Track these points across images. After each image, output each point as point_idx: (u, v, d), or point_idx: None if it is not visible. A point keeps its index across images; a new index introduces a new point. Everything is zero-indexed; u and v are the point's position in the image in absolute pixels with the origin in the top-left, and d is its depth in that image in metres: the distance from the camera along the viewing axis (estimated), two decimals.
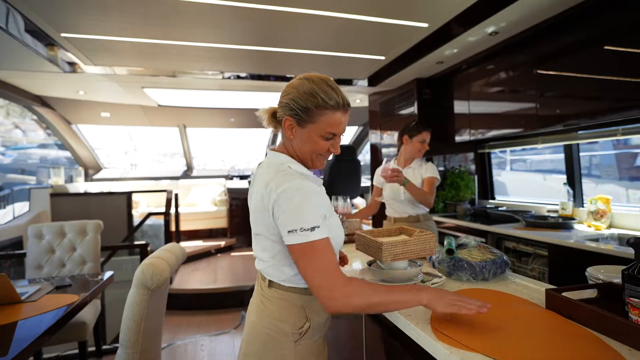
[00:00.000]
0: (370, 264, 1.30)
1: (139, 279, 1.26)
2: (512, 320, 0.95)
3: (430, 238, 1.18)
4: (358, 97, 4.76)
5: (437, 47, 2.67)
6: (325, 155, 1.03)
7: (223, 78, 3.57)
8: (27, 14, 2.14)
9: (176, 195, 4.64)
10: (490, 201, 3.54)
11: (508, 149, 4.14)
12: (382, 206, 2.46)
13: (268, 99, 4.93)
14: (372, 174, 4.47)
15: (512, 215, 2.70)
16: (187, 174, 6.63)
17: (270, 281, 1.02)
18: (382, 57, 3.04)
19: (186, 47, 2.75)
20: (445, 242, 1.41)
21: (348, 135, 6.85)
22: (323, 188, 1.02)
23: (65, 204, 4.05)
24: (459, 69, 3.17)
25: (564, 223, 2.37)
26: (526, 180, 4.75)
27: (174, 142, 6.43)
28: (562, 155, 2.81)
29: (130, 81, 3.62)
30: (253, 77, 3.62)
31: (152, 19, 2.27)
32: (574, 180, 2.70)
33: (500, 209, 3.05)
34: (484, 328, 0.91)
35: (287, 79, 3.68)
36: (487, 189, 3.59)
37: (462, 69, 3.17)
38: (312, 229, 0.89)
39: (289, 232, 0.91)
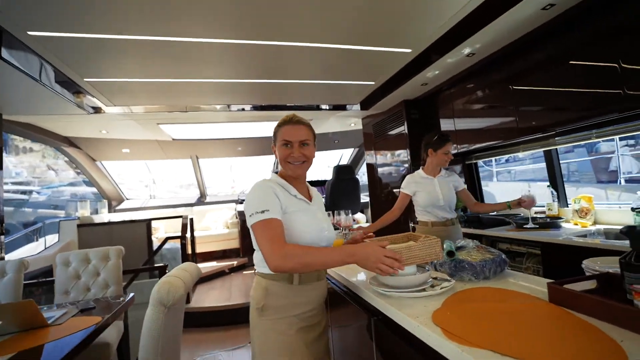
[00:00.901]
0: None
1: (156, 297, 1.20)
2: (518, 314, 0.88)
3: (435, 243, 1.15)
4: (352, 121, 4.75)
5: (420, 70, 2.68)
6: (292, 161, 1.22)
7: (230, 110, 3.59)
8: (55, 63, 2.18)
9: (191, 220, 4.59)
10: None
11: (494, 161, 4.10)
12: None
13: (270, 127, 4.94)
14: (370, 192, 4.43)
15: (503, 219, 2.63)
16: (200, 201, 6.61)
17: (254, 270, 1.25)
18: (372, 82, 3.06)
19: (195, 84, 2.78)
20: (444, 246, 1.35)
21: (346, 156, 6.86)
22: (290, 193, 1.21)
23: (90, 234, 3.99)
24: (441, 89, 3.18)
25: (552, 222, 2.30)
26: (512, 189, 4.69)
27: (188, 172, 6.44)
28: (542, 165, 2.77)
29: (147, 118, 3.65)
30: (256, 108, 3.64)
31: (164, 60, 2.29)
32: (556, 182, 2.65)
33: (490, 214, 2.98)
34: (492, 324, 0.84)
35: (287, 108, 3.69)
36: (477, 196, 3.53)
37: (445, 89, 3.17)
38: (263, 211, 1.10)
39: (249, 216, 1.12)
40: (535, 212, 2.73)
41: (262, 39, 2.09)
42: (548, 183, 2.70)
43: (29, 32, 1.79)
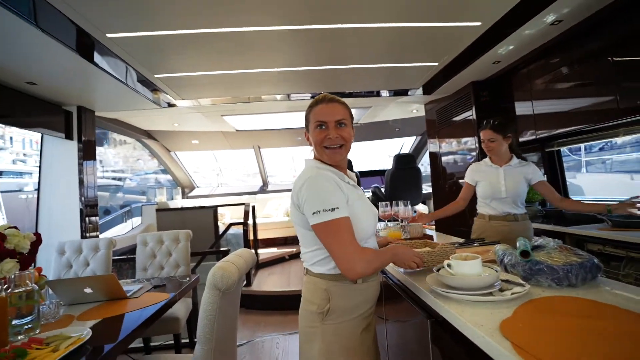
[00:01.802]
0: (438, 269, 1.13)
1: (211, 280, 1.25)
2: (618, 338, 0.71)
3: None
4: (414, 107, 4.50)
5: (492, 46, 2.38)
6: (329, 145, 1.11)
7: (290, 100, 3.62)
8: (129, 61, 2.39)
9: (253, 207, 4.79)
10: None
11: (583, 149, 3.54)
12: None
13: None
14: (433, 182, 4.17)
15: (595, 215, 2.24)
16: (263, 189, 6.88)
17: (306, 269, 1.14)
18: (435, 63, 2.81)
19: (256, 74, 2.83)
20: (518, 244, 1.17)
21: (407, 145, 6.57)
22: (343, 181, 1.11)
23: (167, 217, 4.41)
24: (517, 67, 2.80)
25: None
26: (607, 181, 4.01)
27: (252, 162, 6.75)
28: None
29: (212, 110, 3.85)
30: (314, 96, 3.62)
31: (225, 52, 2.36)
32: None
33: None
34: (579, 345, 0.69)
35: (346, 96, 3.60)
36: (559, 188, 3.08)
37: (521, 67, 2.79)
38: (333, 209, 0.99)
39: (313, 213, 1.00)
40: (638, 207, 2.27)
41: (320, 22, 2.02)
42: None
43: (108, 35, 1.98)
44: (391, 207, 2.14)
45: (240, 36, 2.12)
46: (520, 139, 2.93)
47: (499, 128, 2.07)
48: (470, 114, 3.24)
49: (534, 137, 2.76)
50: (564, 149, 3.05)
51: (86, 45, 2.05)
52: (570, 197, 3.06)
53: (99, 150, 3.37)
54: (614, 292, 0.98)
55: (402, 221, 2.10)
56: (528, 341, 0.72)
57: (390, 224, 2.22)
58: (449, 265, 1.08)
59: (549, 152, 3.11)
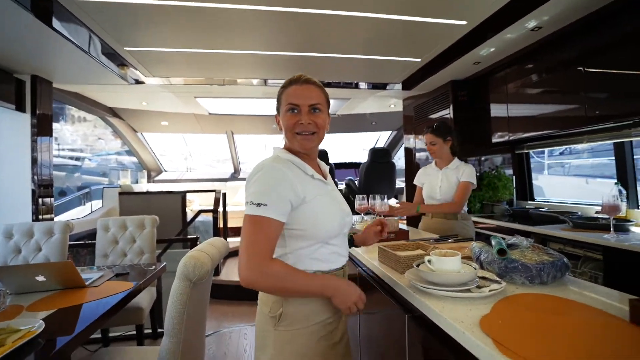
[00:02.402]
0: (418, 264, 1.13)
1: (182, 271, 1.18)
2: (588, 332, 0.75)
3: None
4: (392, 101, 4.56)
5: (474, 47, 2.43)
6: (301, 131, 1.00)
7: (266, 85, 3.54)
8: (96, 30, 2.20)
9: (224, 194, 4.66)
10: (530, 202, 3.19)
11: (546, 153, 3.75)
12: None
13: None
14: (407, 177, 4.25)
15: (557, 216, 2.38)
16: (234, 177, 6.74)
17: None
18: (418, 59, 2.84)
19: (233, 56, 2.72)
20: (493, 242, 1.20)
21: (382, 139, 6.65)
22: (307, 174, 1.00)
23: (130, 202, 4.18)
24: (494, 69, 2.89)
25: (619, 225, 2.03)
26: (566, 183, 4.28)
27: (224, 147, 6.56)
28: (603, 159, 2.45)
29: (184, 91, 3.69)
30: None
31: (201, 29, 2.24)
32: (626, 179, 2.34)
33: (541, 210, 2.72)
34: (556, 340, 0.71)
35: (325, 85, 3.53)
36: (526, 189, 3.25)
37: (499, 70, 2.88)
38: (259, 204, 0.89)
39: (245, 203, 0.92)
40: (597, 212, 2.45)
41: (303, 5, 1.96)
42: (616, 180, 2.39)
43: None
44: (367, 200, 2.16)
45: (219, 13, 2.01)
46: (493, 140, 3.04)
47: (439, 132, 2.20)
48: (448, 112, 3.32)
49: (506, 138, 2.87)
50: (531, 152, 3.21)
51: (44, 7, 1.85)
52: (535, 198, 3.23)
53: (54, 126, 3.10)
54: (578, 289, 1.03)
55: (377, 215, 2.11)
56: (507, 337, 0.73)
57: (366, 217, 2.22)
58: (429, 261, 1.09)
59: (519, 154, 3.26)
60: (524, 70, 2.63)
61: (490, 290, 0.97)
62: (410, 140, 4.18)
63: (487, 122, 3.09)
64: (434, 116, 3.61)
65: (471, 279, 1.03)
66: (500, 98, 2.91)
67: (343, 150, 7.69)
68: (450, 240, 1.72)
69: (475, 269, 1.06)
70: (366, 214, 2.21)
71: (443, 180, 2.21)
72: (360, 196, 2.15)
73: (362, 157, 7.53)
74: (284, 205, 0.91)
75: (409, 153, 4.21)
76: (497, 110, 2.99)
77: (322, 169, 1.13)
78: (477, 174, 3.32)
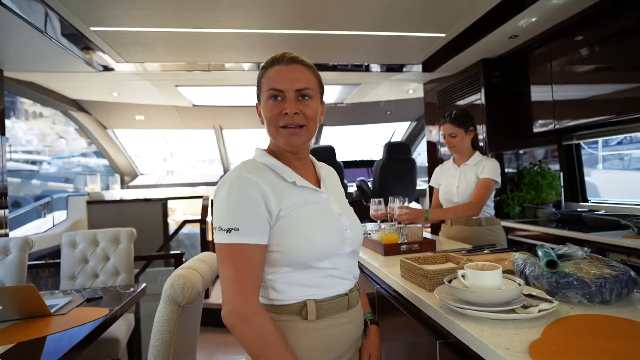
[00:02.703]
0: (450, 280, 1.13)
1: (168, 293, 1.18)
2: None
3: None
4: (411, 86, 4.56)
5: (511, 17, 2.42)
6: (286, 124, 0.94)
7: (260, 70, 3.55)
8: (57, 7, 2.22)
9: (212, 201, 4.68)
10: (582, 204, 3.16)
11: (600, 142, 3.72)
12: None
13: None
14: (430, 176, 4.24)
15: (618, 220, 2.35)
16: None
17: None
18: (442, 35, 2.83)
19: (219, 35, 2.73)
20: (540, 252, 1.19)
21: (399, 132, 6.63)
22: (288, 182, 0.96)
23: (101, 212, 4.23)
24: (534, 44, 2.87)
25: None
26: (626, 179, 4.24)
27: (211, 146, 6.59)
28: None
29: (163, 79, 3.71)
30: None
31: (179, 4, 2.25)
32: None
33: (597, 213, 2.70)
34: None
35: (328, 68, 3.57)
36: (576, 188, 3.23)
37: (540, 44, 2.85)
38: (229, 230, 0.86)
39: (214, 228, 0.89)
40: None
41: None
42: None
43: None
44: (386, 204, 2.15)
45: None
46: (535, 129, 3.03)
47: (460, 121, 2.16)
48: (478, 97, 3.31)
49: (551, 127, 2.85)
50: (582, 142, 3.18)
51: None
52: (589, 198, 3.20)
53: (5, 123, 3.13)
54: None
55: (398, 222, 2.11)
56: None
57: (384, 225, 2.22)
58: (463, 276, 1.08)
59: (567, 146, 3.24)
60: (573, 43, 2.60)
61: (539, 311, 0.96)
62: (433, 133, 4.17)
63: (527, 108, 3.08)
64: (461, 102, 3.61)
65: (515, 297, 1.02)
66: (543, 78, 2.90)
67: (352, 145, 7.70)
68: (486, 251, 1.71)
69: (519, 285, 1.05)
70: (383, 221, 2.19)
71: (460, 179, 2.19)
72: (376, 200, 2.15)
73: (376, 154, 7.54)
74: (260, 223, 0.88)
75: (432, 148, 4.21)
76: (539, 93, 2.97)
77: (318, 171, 1.08)
78: (516, 171, 3.32)
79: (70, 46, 2.71)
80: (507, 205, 3.17)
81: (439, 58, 3.34)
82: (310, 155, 1.09)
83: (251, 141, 7.17)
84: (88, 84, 3.92)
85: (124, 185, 6.29)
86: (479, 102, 3.32)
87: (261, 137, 7.30)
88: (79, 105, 4.70)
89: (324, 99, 1.06)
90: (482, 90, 3.25)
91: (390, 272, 1.55)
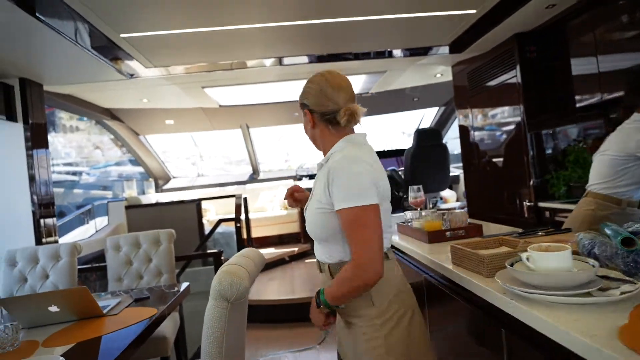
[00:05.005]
0: (512, 263, 1.06)
1: (217, 289, 1.17)
2: None
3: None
4: (438, 70, 4.43)
5: None
6: None
7: (282, 65, 3.52)
8: (89, 17, 2.25)
9: (245, 199, 4.72)
10: None
11: None
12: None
13: None
14: (464, 162, 4.11)
15: None
16: (253, 178, 6.83)
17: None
18: (472, 11, 2.70)
19: (238, 32, 2.71)
20: (609, 231, 1.10)
21: (427, 119, 6.48)
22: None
23: (139, 215, 4.36)
24: (577, 11, 2.67)
25: None
26: None
27: (238, 146, 6.65)
28: None
29: (190, 81, 3.75)
30: (313, 60, 3.50)
31: (201, 5, 2.24)
32: None
33: None
34: None
35: (351, 58, 3.49)
36: None
37: (583, 11, 2.64)
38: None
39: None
40: None
41: None
42: None
43: None
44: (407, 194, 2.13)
45: None
46: (578, 104, 2.85)
47: None
48: (513, 75, 3.15)
49: (597, 99, 2.67)
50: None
51: None
52: None
53: None
54: None
55: (431, 207, 2.05)
56: None
57: (424, 212, 2.15)
58: (527, 259, 1.01)
59: (615, 120, 3.02)
60: (620, 7, 2.41)
61: (622, 293, 0.88)
62: (465, 117, 4.02)
63: (568, 83, 2.90)
64: (493, 83, 3.45)
65: (590, 278, 0.94)
66: (585, 49, 2.71)
67: (380, 135, 7.60)
68: (540, 233, 1.61)
69: (593, 266, 0.96)
70: (422, 208, 2.13)
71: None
72: (415, 187, 2.10)
73: (404, 143, 7.41)
74: None
75: (465, 132, 4.05)
76: (581, 65, 2.78)
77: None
78: (551, 151, 3.14)
79: (102, 55, 2.76)
80: (551, 186, 3.01)
81: (468, 37, 3.19)
82: (330, 153, 1.22)
83: (272, 140, 7.19)
84: (119, 92, 4.01)
85: (158, 189, 6.45)
86: (513, 80, 3.16)
87: (285, 135, 7.32)
88: (112, 114, 4.84)
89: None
90: (517, 68, 3.08)
91: (437, 259, 1.50)
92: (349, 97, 1.19)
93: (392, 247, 1.91)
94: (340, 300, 1.15)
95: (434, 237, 1.79)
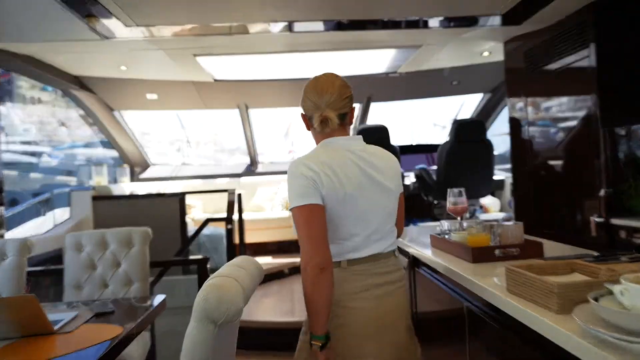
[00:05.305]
0: (597, 298, 0.98)
1: (202, 308, 1.11)
2: None
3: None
4: (485, 46, 4.36)
5: None
6: None
7: (292, 32, 3.49)
8: None
9: (239, 196, 4.69)
10: None
11: None
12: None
13: (355, 59, 4.71)
14: (514, 164, 4.03)
15: None
16: (250, 170, 6.83)
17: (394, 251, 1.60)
18: None
19: None
20: None
21: (468, 108, 6.43)
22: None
23: (109, 209, 4.36)
24: None
25: None
26: None
27: (234, 131, 6.61)
28: None
29: (179, 47, 3.74)
30: (330, 27, 3.47)
31: None
32: None
33: None
34: None
35: (379, 26, 3.45)
36: None
37: None
38: None
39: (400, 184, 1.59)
40: None
41: None
42: None
43: None
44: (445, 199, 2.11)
45: None
46: None
47: None
48: (585, 56, 3.04)
49: None
50: None
51: None
52: None
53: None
54: None
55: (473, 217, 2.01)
56: None
57: (466, 223, 2.08)
58: (622, 293, 0.92)
59: None
60: None
61: None
62: (517, 107, 3.91)
63: None
64: (557, 65, 3.34)
65: None
66: None
67: (404, 126, 7.56)
68: (623, 259, 1.51)
69: None
70: (462, 217, 2.10)
71: None
72: (455, 190, 2.08)
73: (434, 137, 7.35)
74: None
75: (516, 126, 3.95)
76: None
77: None
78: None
79: (72, 8, 2.72)
80: (629, 198, 2.89)
81: (528, 5, 3.10)
82: None
83: (275, 125, 7.13)
84: (92, 57, 3.98)
85: (134, 177, 6.43)
86: (585, 62, 3.04)
87: (292, 124, 7.29)
88: (81, 83, 4.80)
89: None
90: (592, 47, 2.97)
91: (485, 284, 1.43)
92: (332, 101, 1.47)
93: (424, 264, 2.03)
94: (313, 321, 1.38)
95: (480, 255, 1.74)
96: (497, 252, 1.74)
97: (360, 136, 1.57)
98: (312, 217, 1.36)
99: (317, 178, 1.37)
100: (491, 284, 1.41)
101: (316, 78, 1.54)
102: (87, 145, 7.06)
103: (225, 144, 7.98)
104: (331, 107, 1.46)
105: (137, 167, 6.58)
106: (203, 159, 7.82)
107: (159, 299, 2.14)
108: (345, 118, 1.53)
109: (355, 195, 1.41)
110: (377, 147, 1.58)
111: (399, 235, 1.64)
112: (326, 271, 1.33)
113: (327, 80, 1.51)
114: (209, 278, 1.23)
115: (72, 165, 7.00)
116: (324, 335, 1.34)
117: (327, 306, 1.34)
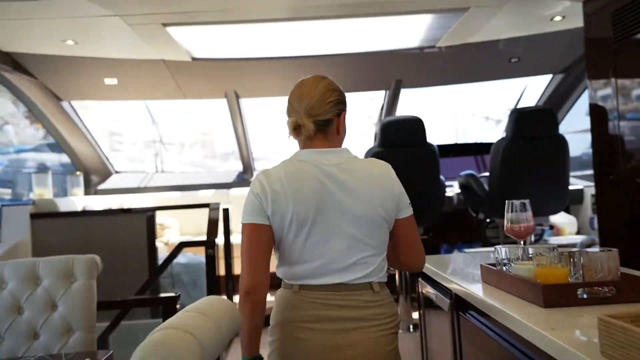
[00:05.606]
0: None
1: None
2: None
3: None
4: (556, 10, 4.35)
5: None
6: None
7: None
8: None
9: (225, 211, 4.66)
10: None
11: None
12: None
13: (378, 30, 4.66)
14: (596, 168, 3.93)
15: None
16: (243, 179, 6.90)
17: (379, 285, 1.74)
18: None
19: None
20: None
21: (532, 94, 6.44)
22: None
23: (53, 229, 4.40)
24: None
25: None
26: None
27: (221, 128, 6.58)
28: None
29: (143, 12, 3.74)
30: None
31: None
32: None
33: None
34: None
35: None
36: None
37: None
38: None
39: (408, 204, 1.79)
40: None
41: None
42: None
43: None
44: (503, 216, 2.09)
45: None
46: None
47: None
48: None
49: None
50: None
51: None
52: None
53: None
54: None
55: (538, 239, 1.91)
56: None
57: (532, 248, 2.00)
58: None
59: None
60: None
61: None
62: (603, 93, 3.80)
63: None
64: None
65: None
66: None
67: (449, 120, 7.49)
68: None
69: None
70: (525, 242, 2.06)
71: None
72: (516, 203, 2.05)
73: (487, 134, 7.32)
74: None
75: (601, 118, 3.87)
76: None
77: None
78: None
79: None
80: None
81: None
82: None
83: (270, 119, 7.12)
84: (28, 26, 3.99)
85: (90, 188, 6.50)
86: None
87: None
88: (15, 63, 4.78)
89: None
90: None
91: (567, 342, 1.28)
92: (310, 107, 1.66)
93: (471, 306, 1.98)
94: (241, 341, 1.65)
95: (556, 296, 1.66)
96: (580, 292, 1.67)
97: (346, 148, 1.76)
98: (251, 236, 1.62)
99: (262, 196, 1.60)
100: (575, 343, 1.30)
101: (302, 81, 1.75)
102: (37, 149, 7.12)
103: (217, 147, 8.00)
104: (309, 112, 1.65)
105: (95, 175, 6.66)
106: (188, 165, 7.88)
107: (103, 354, 2.13)
108: (327, 126, 1.69)
109: (307, 217, 1.59)
110: (369, 161, 1.79)
111: (417, 270, 1.89)
112: (251, 296, 1.60)
113: (310, 83, 1.71)
114: (153, 330, 1.17)
115: (12, 173, 7.06)
116: (251, 357, 1.63)
117: (250, 331, 1.61)
